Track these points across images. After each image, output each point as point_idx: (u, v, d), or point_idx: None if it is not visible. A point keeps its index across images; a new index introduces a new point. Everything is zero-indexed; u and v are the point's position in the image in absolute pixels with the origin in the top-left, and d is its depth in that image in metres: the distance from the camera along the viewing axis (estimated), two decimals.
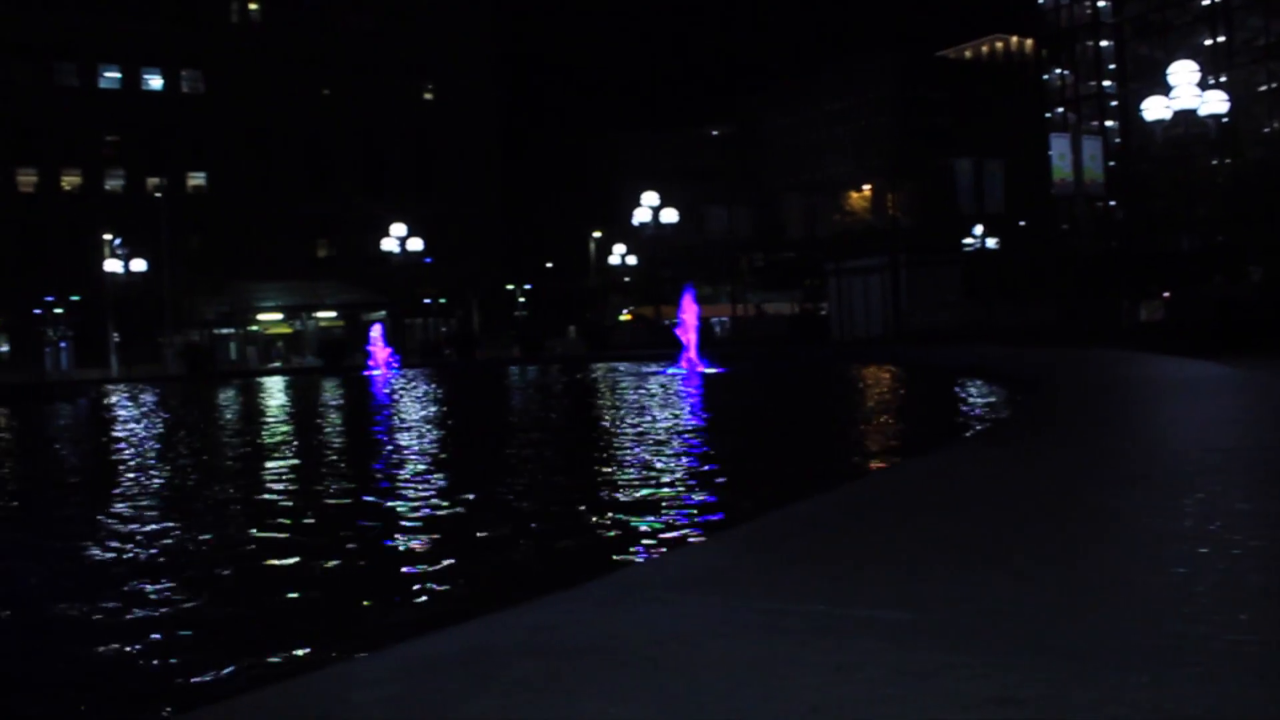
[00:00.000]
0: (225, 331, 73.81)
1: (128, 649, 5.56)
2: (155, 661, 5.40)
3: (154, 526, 9.62)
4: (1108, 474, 6.86)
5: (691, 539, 6.57)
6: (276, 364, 66.50)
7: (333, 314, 76.05)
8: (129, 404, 33.56)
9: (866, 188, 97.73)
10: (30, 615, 6.80)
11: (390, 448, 15.66)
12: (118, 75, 77.66)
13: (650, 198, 59.25)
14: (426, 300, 73.85)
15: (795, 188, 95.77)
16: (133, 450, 17.94)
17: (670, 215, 59.39)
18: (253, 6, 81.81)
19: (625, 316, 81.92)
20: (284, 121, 78.59)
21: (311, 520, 9.47)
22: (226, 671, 5.01)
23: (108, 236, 65.64)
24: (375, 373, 46.70)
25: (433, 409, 24.62)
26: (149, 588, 7.06)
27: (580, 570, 5.38)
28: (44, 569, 8.18)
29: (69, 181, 75.58)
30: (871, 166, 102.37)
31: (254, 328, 74.33)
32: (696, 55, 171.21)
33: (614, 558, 6.77)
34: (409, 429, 18.84)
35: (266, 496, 11.39)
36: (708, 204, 70.07)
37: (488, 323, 78.98)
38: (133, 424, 24.49)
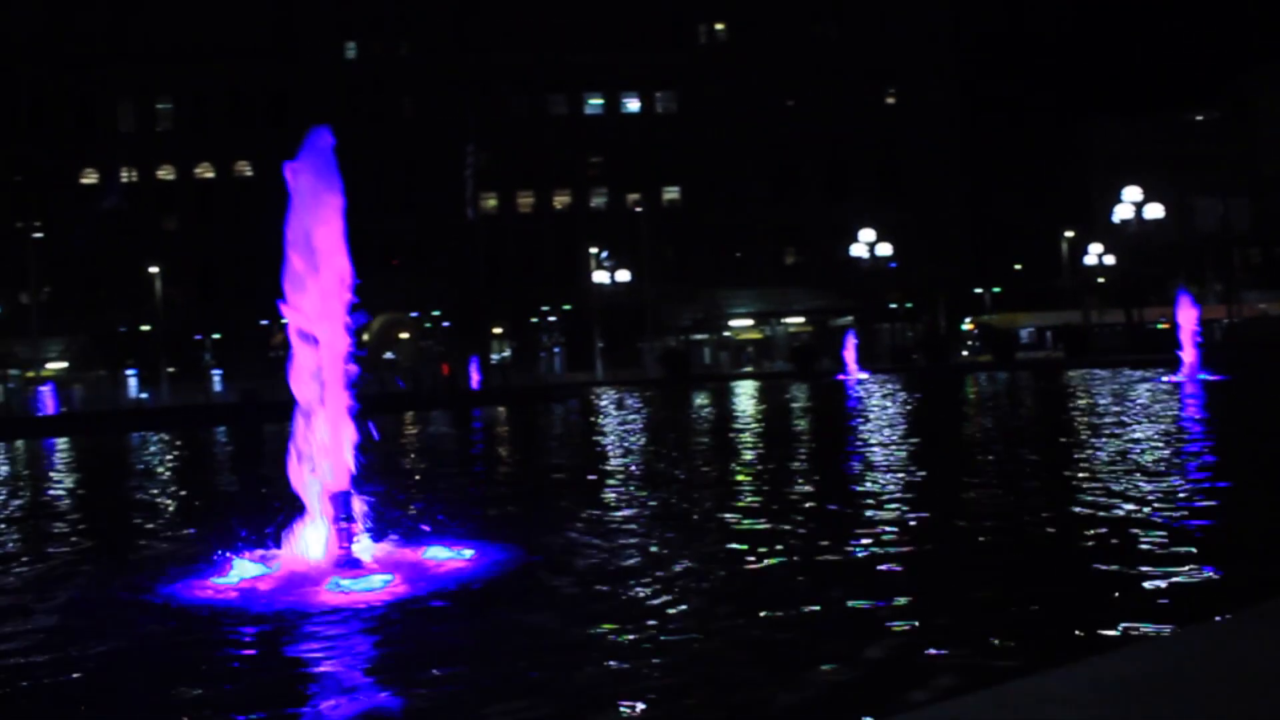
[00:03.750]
0: (699, 337, 77.18)
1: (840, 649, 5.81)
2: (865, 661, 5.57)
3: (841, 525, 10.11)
4: None
5: None
6: (748, 368, 68.65)
7: (801, 319, 77.45)
8: (643, 404, 35.66)
9: None
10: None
11: (912, 457, 15.61)
12: (600, 101, 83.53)
13: (1132, 192, 55.66)
14: (892, 305, 73.52)
15: None
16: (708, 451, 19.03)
17: (1155, 210, 55.50)
18: (719, 26, 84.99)
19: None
20: (751, 133, 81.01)
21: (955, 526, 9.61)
22: (929, 679, 5.09)
23: (593, 250, 70.68)
24: (847, 378, 46.94)
25: (945, 418, 24.28)
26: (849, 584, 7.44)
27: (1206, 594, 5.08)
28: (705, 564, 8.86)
29: (560, 201, 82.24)
30: None
31: (726, 333, 77.14)
32: (1176, 34, 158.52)
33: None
34: (925, 439, 18.66)
35: (886, 501, 11.65)
36: (1196, 196, 64.77)
37: (955, 326, 77.37)
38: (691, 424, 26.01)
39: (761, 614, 6.66)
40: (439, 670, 6.45)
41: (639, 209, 75.31)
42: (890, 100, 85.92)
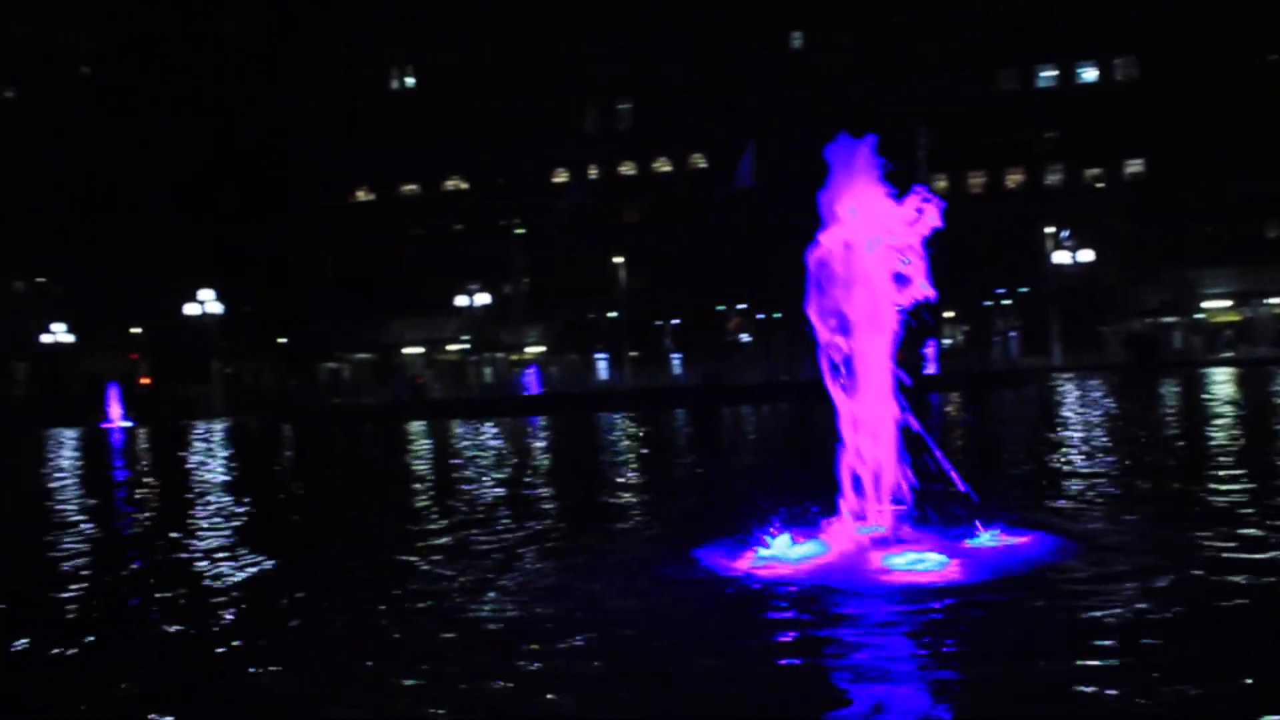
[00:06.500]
0: (1167, 320, 72.04)
1: None
2: None
3: None
4: None
5: None
6: (1226, 354, 63.42)
7: None
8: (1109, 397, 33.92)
9: None
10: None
11: None
12: (1054, 74, 79.82)
13: None
14: None
15: None
16: None
17: None
18: None
19: None
20: (1223, 95, 74.26)
21: None
22: None
23: (1049, 230, 67.72)
24: None
25: None
26: None
27: None
28: None
29: (1013, 179, 79.43)
30: None
31: (1198, 315, 71.51)
32: None
33: None
34: None
35: None
36: None
37: None
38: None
39: None
40: (1010, 654, 6.50)
41: (1099, 185, 71.25)
42: None
